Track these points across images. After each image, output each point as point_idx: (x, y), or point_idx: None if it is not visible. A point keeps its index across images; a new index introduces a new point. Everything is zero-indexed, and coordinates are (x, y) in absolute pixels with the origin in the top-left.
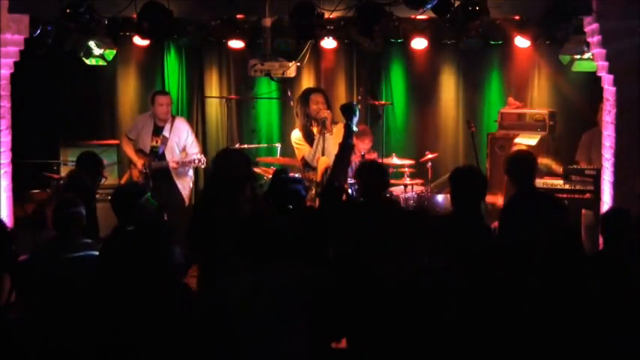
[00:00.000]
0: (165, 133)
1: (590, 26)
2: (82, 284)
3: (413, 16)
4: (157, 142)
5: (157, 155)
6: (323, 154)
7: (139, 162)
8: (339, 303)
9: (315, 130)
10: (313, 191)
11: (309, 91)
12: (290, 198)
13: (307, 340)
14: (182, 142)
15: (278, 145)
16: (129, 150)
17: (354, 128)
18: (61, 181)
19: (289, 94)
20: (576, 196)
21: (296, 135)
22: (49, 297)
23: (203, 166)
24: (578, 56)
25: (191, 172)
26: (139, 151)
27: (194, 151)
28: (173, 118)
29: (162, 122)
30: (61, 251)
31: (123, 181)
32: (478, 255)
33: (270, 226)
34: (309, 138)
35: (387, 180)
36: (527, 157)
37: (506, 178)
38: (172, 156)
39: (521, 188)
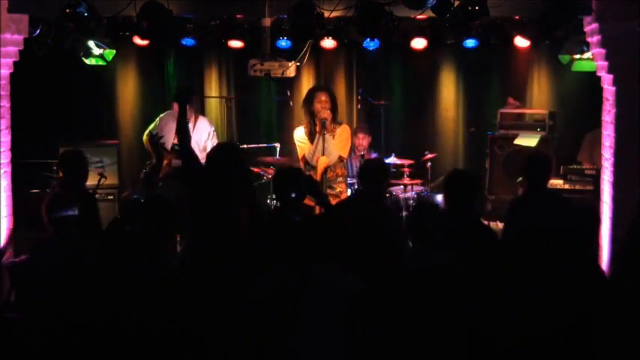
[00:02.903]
0: None
1: (590, 26)
2: (78, 283)
3: (413, 16)
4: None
5: (178, 152)
6: (323, 154)
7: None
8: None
9: (317, 129)
10: None
11: (314, 89)
12: None
13: (343, 341)
14: (202, 142)
15: (277, 145)
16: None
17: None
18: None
19: (289, 94)
20: (576, 196)
21: (299, 134)
22: (48, 296)
23: None
24: (577, 56)
25: None
26: None
27: None
28: (197, 117)
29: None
30: (58, 250)
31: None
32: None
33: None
34: (312, 136)
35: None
36: (544, 159)
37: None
38: None
39: (532, 188)
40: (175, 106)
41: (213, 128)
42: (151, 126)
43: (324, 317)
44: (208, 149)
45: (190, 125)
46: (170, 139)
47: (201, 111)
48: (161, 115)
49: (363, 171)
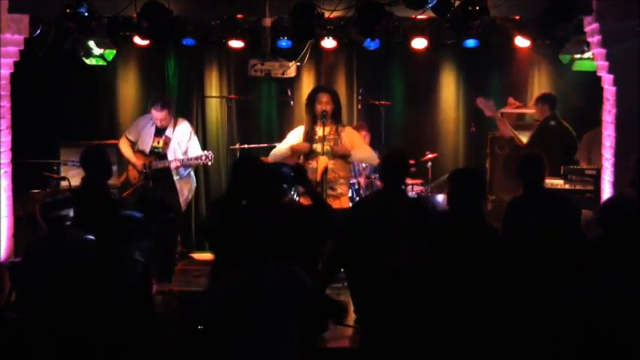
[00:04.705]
0: (168, 133)
1: (590, 26)
2: (75, 282)
3: (413, 16)
4: (158, 142)
5: (158, 155)
6: (322, 153)
7: (139, 162)
8: (321, 301)
9: (318, 130)
10: None
11: (316, 90)
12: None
13: (298, 338)
14: (184, 144)
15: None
16: (127, 150)
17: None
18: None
19: (289, 94)
20: (576, 196)
21: (296, 133)
22: (43, 296)
23: (210, 163)
24: (578, 56)
25: (193, 178)
26: (138, 152)
27: (195, 154)
28: (176, 119)
29: (165, 124)
30: (52, 251)
31: (120, 181)
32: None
33: (256, 226)
34: (309, 138)
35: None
36: (537, 159)
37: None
38: (174, 157)
39: (528, 189)
40: (153, 111)
41: (192, 129)
42: (127, 131)
43: (275, 317)
44: (190, 150)
45: (170, 128)
46: (149, 143)
47: (202, 111)
48: (137, 119)
49: (384, 161)
